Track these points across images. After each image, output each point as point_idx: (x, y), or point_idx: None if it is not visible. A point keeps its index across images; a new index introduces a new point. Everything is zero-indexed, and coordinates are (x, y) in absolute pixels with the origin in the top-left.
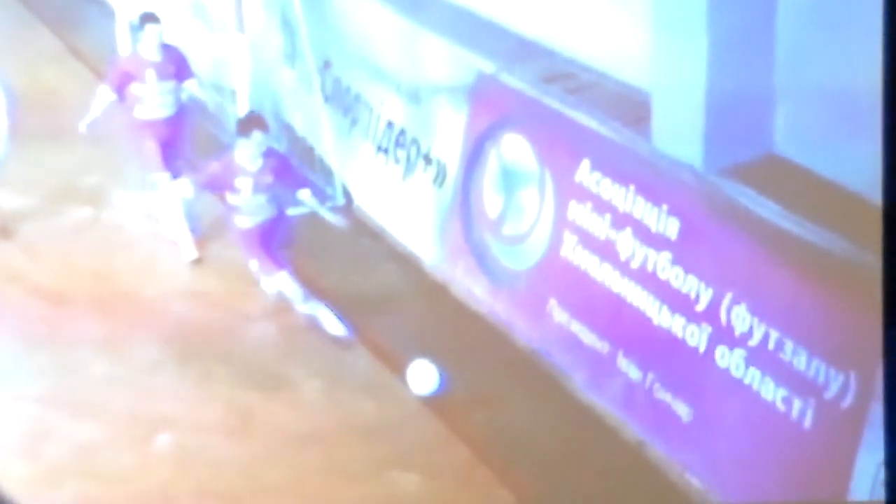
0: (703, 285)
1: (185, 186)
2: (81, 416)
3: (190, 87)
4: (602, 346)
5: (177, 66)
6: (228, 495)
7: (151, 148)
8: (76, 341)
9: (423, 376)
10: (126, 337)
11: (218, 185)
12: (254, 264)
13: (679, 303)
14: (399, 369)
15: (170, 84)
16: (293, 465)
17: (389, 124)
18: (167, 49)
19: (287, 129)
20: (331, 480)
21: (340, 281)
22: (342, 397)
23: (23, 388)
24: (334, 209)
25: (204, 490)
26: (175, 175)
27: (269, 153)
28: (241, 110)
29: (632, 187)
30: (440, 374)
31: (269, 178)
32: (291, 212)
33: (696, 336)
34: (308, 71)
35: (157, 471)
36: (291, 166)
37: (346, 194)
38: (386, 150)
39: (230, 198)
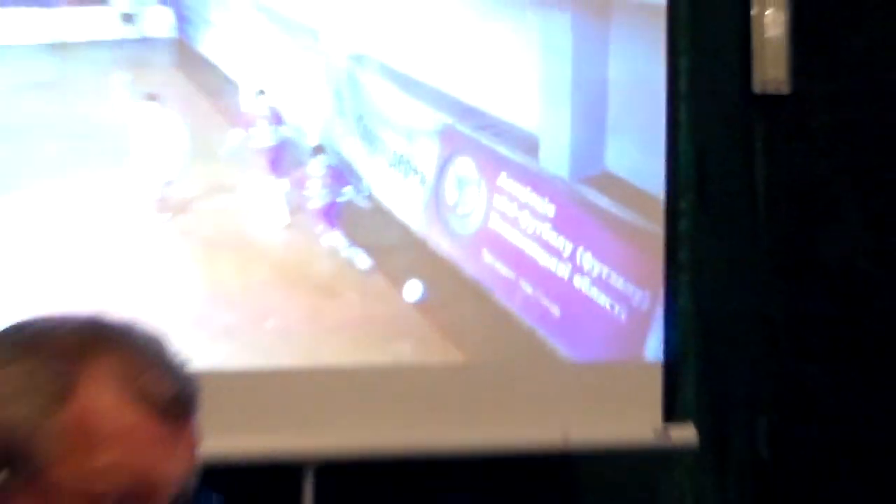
0: (567, 242)
1: (284, 183)
2: None
3: (283, 130)
4: (511, 275)
5: (276, 117)
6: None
7: (263, 163)
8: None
9: (412, 290)
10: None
11: (300, 184)
12: (318, 227)
13: (554, 251)
14: (399, 286)
15: (272, 127)
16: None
17: (395, 152)
18: (272, 108)
19: (338, 153)
20: (348, 342)
21: (365, 237)
22: (365, 300)
23: None
24: (363, 198)
25: None
26: (278, 176)
27: (328, 166)
28: (313, 142)
29: (528, 188)
30: (423, 290)
31: (328, 180)
32: (340, 199)
33: (563, 270)
34: (350, 121)
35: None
36: (341, 173)
37: (370, 190)
38: (393, 166)
39: (306, 191)
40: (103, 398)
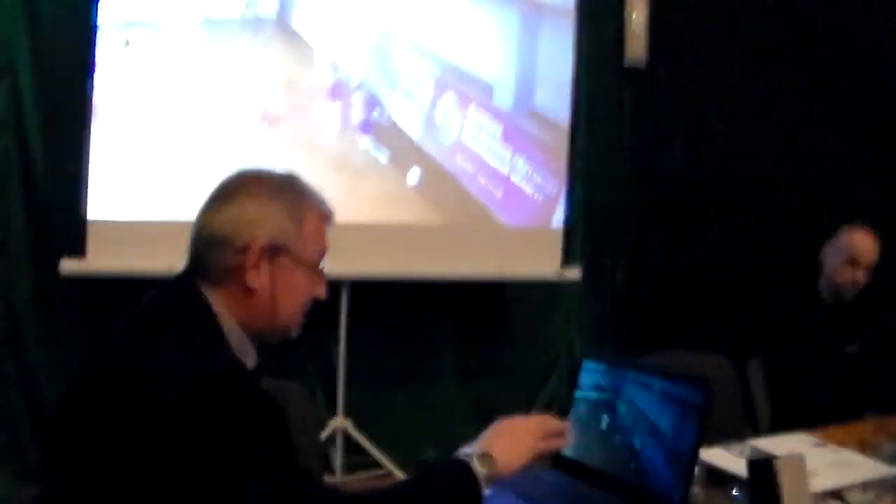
0: (508, 151)
1: (336, 106)
2: None
3: (337, 74)
4: (472, 170)
5: (334, 66)
6: None
7: (325, 94)
8: None
9: (413, 177)
10: None
11: (347, 107)
12: (356, 135)
13: (500, 157)
14: (405, 174)
15: (331, 72)
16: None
17: (406, 90)
18: (332, 61)
19: (371, 89)
20: (373, 208)
21: (385, 142)
22: (384, 182)
23: None
24: (385, 118)
25: None
26: (333, 101)
27: (364, 97)
28: (355, 81)
29: (487, 116)
30: (419, 178)
31: (364, 106)
32: (371, 118)
33: (505, 168)
34: (379, 70)
35: None
36: (372, 102)
37: (390, 113)
38: (405, 99)
39: (350, 112)
40: (313, 220)
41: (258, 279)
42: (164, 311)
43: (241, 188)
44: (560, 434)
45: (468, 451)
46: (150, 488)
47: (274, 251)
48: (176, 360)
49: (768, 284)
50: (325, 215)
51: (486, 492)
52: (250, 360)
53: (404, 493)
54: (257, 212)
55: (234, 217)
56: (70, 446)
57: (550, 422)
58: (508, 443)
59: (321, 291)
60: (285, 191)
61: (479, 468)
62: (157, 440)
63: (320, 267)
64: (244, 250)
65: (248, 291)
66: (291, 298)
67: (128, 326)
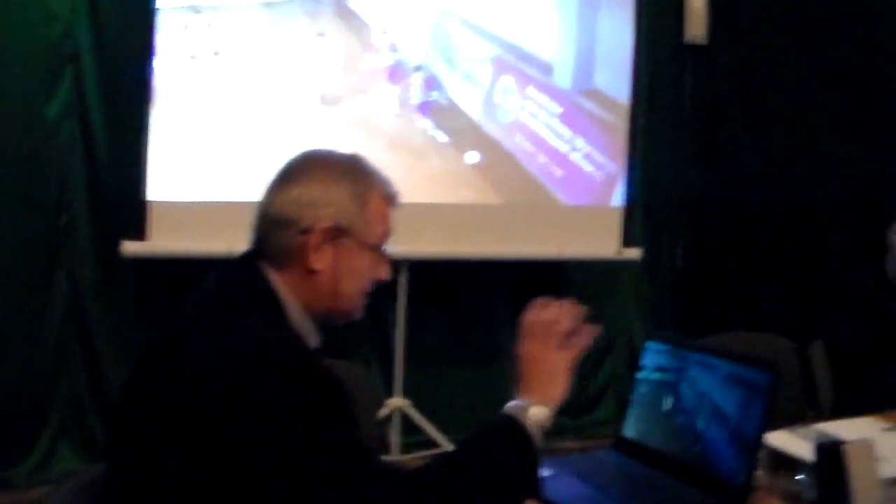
0: (568, 130)
1: (396, 89)
2: None
3: (397, 55)
4: (532, 149)
5: (392, 47)
6: None
7: (384, 76)
8: None
9: (472, 157)
10: None
11: (406, 89)
12: (415, 116)
13: (559, 136)
14: (463, 154)
15: (390, 53)
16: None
17: (465, 70)
18: (390, 42)
19: (430, 70)
20: (432, 188)
21: (444, 122)
22: (443, 162)
23: None
24: (444, 99)
25: None
26: (393, 84)
27: (423, 78)
28: (415, 63)
29: (546, 96)
30: (479, 157)
31: (423, 87)
32: (430, 99)
33: (564, 147)
34: (438, 51)
35: None
36: (431, 83)
37: (448, 94)
38: (464, 79)
39: (409, 94)
40: (377, 201)
41: (321, 260)
42: (226, 291)
43: (305, 169)
44: (578, 322)
45: (514, 403)
46: (212, 465)
47: (337, 233)
48: (239, 337)
49: (833, 265)
50: (389, 197)
51: (541, 442)
52: (313, 340)
53: (461, 462)
54: (321, 193)
55: (298, 198)
56: (135, 424)
57: (567, 318)
58: (547, 377)
59: (384, 273)
60: (350, 172)
61: (531, 422)
62: (220, 415)
63: (383, 249)
64: (307, 231)
65: (311, 273)
66: (354, 280)
67: (191, 306)
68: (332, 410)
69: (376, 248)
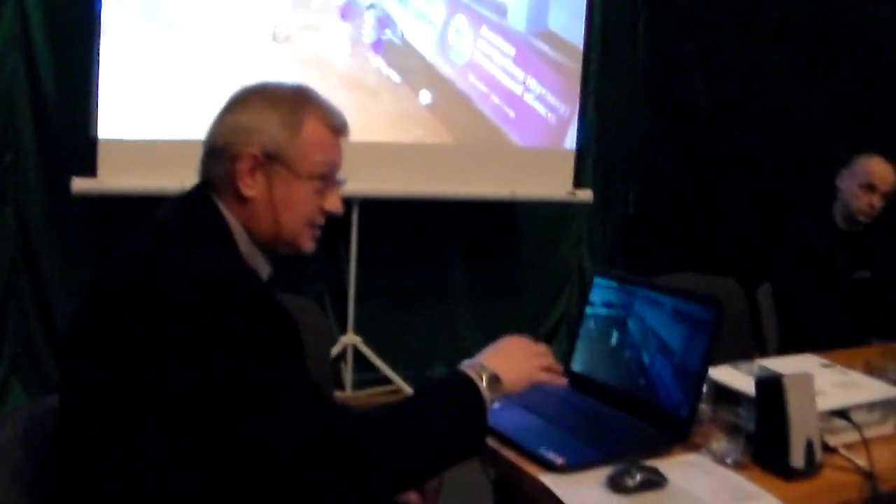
0: (521, 72)
1: (348, 27)
2: None
3: None
4: (486, 90)
5: None
6: None
7: (337, 13)
8: None
9: (425, 97)
10: None
11: (358, 27)
12: (368, 54)
13: (513, 77)
14: (417, 93)
15: None
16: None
17: (418, 9)
18: None
19: (383, 9)
20: (384, 127)
21: (398, 61)
22: (396, 101)
23: None
24: (397, 38)
25: None
26: (345, 21)
27: (377, 17)
28: (367, 1)
29: (499, 36)
30: (431, 97)
31: (376, 25)
32: (383, 37)
33: (518, 89)
34: None
35: None
36: (385, 21)
37: (402, 33)
38: (417, 18)
39: (362, 32)
40: (314, 129)
41: (252, 188)
42: (177, 223)
43: (243, 99)
44: (556, 373)
45: (474, 362)
46: (162, 396)
47: (268, 160)
48: (190, 268)
49: (781, 209)
50: (332, 125)
51: (491, 406)
52: (263, 272)
53: (411, 409)
54: (251, 120)
55: (230, 126)
56: (88, 355)
57: (551, 357)
58: (513, 362)
59: (332, 205)
60: (285, 101)
61: (483, 384)
62: (171, 346)
63: (333, 179)
64: (236, 159)
65: (246, 201)
66: (292, 210)
67: (142, 238)
68: (282, 344)
69: (314, 178)
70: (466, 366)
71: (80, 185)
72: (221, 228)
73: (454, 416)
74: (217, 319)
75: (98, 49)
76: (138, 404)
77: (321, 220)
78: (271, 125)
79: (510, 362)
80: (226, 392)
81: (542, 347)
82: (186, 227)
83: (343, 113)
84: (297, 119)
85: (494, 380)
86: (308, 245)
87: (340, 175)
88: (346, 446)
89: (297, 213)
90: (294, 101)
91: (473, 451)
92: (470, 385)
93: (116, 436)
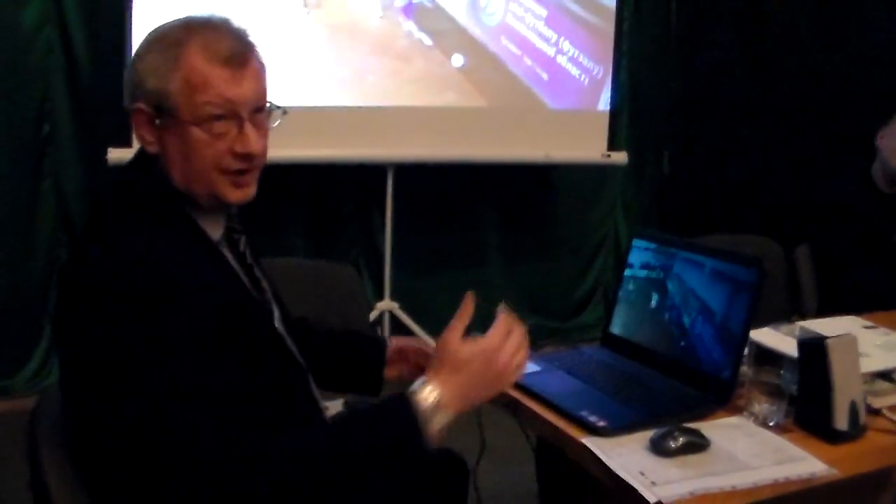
0: (554, 33)
1: None
2: None
3: None
4: (518, 52)
5: None
6: None
7: None
8: None
9: (457, 60)
10: None
11: None
12: (400, 18)
13: (545, 39)
14: (449, 57)
15: None
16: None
17: None
18: None
19: None
20: (417, 91)
21: (429, 25)
22: (428, 65)
23: None
24: (429, 0)
25: None
26: None
27: None
28: None
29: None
30: (463, 60)
31: None
32: (414, 0)
33: (550, 50)
34: None
35: None
36: None
37: None
38: None
39: None
40: (192, 68)
41: (153, 144)
42: (117, 196)
43: (137, 50)
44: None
45: (430, 380)
46: (78, 381)
47: (157, 112)
48: (98, 255)
49: (819, 170)
50: (215, 58)
51: (438, 428)
52: (215, 230)
53: (330, 441)
54: (136, 72)
55: (125, 83)
56: (55, 334)
57: (527, 345)
58: (480, 382)
59: (240, 145)
60: (165, 41)
61: (426, 401)
62: (76, 332)
63: (237, 115)
64: (130, 116)
65: (154, 157)
66: (191, 160)
67: (88, 217)
68: (177, 344)
69: (204, 120)
70: (418, 386)
71: (116, 154)
72: (162, 192)
73: (378, 448)
74: (108, 314)
75: (130, 20)
76: (77, 393)
77: (237, 165)
78: (150, 73)
79: (474, 380)
80: (107, 399)
81: (515, 339)
82: (125, 201)
83: (243, 36)
84: (175, 60)
85: (440, 411)
86: (233, 194)
87: (269, 104)
88: (215, 486)
89: (199, 162)
90: (174, 41)
91: (407, 478)
92: (403, 415)
93: (79, 422)
